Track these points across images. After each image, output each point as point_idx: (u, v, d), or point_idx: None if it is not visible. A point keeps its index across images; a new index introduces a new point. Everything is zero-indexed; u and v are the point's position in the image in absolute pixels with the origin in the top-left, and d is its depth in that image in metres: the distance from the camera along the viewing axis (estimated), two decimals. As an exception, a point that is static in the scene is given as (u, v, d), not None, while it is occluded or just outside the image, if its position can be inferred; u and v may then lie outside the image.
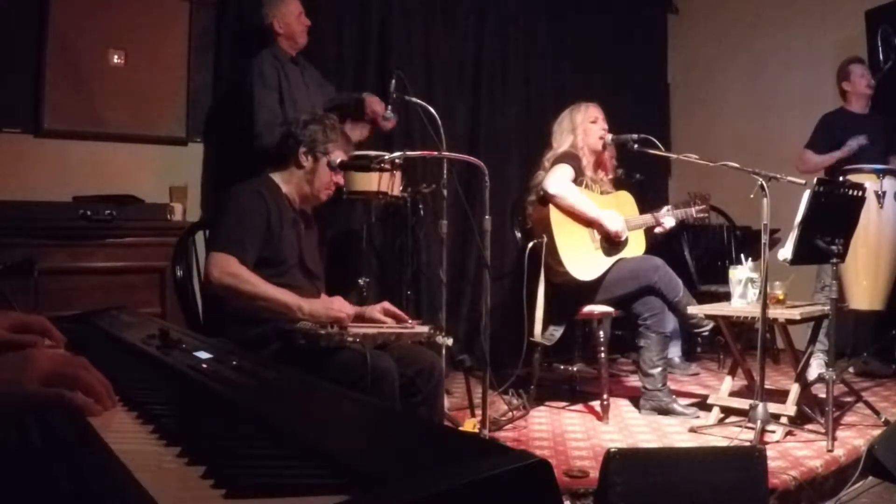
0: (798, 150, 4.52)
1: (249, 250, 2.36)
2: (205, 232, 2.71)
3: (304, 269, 2.57)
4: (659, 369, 3.51)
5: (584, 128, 3.73)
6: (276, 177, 2.59)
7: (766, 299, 3.01)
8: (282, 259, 2.46)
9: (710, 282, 4.68)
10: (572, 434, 3.26)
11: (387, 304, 2.59)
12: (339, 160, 2.57)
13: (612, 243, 3.65)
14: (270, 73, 3.60)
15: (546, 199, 3.60)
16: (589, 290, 3.57)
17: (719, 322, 3.41)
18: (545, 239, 3.54)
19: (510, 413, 3.43)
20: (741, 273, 3.34)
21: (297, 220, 2.59)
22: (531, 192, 3.78)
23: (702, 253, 5.07)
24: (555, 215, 3.57)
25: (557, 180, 3.56)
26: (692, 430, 3.22)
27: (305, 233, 2.62)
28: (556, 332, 3.64)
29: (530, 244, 3.60)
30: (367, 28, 4.52)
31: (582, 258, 3.56)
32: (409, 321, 2.55)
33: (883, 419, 3.27)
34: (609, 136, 3.70)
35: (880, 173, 3.87)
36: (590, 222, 3.62)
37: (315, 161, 2.56)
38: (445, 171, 3.11)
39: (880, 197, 3.81)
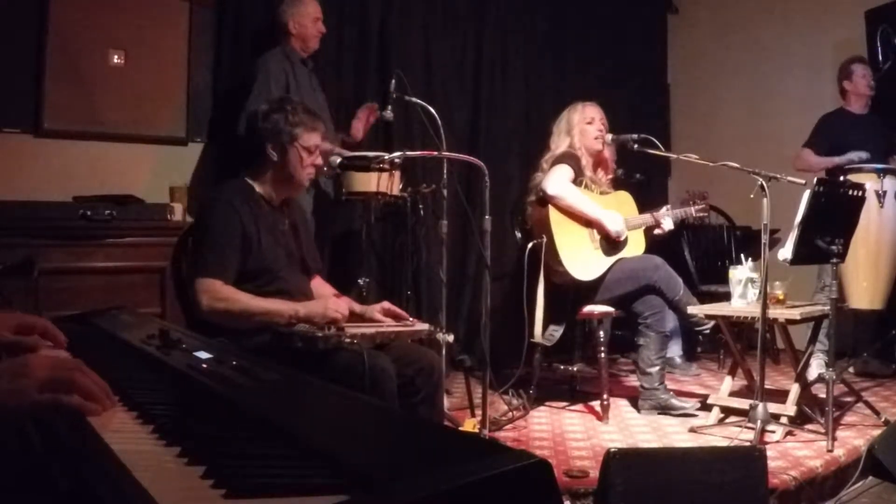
0: (797, 149, 4.52)
1: (230, 268, 2.33)
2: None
3: (300, 261, 2.55)
4: (657, 368, 3.51)
5: (581, 128, 3.73)
6: (250, 178, 2.51)
7: (766, 299, 3.01)
8: (266, 267, 2.41)
9: (710, 282, 4.67)
10: (572, 434, 3.26)
11: (386, 304, 2.57)
12: (312, 142, 2.49)
13: (611, 243, 3.65)
14: (277, 71, 3.61)
15: (545, 200, 3.60)
16: (589, 290, 3.57)
17: (719, 322, 3.41)
18: (545, 239, 3.54)
19: (510, 413, 3.43)
20: (741, 273, 3.34)
21: (278, 219, 2.52)
22: (530, 192, 3.78)
23: (702, 253, 5.07)
24: (554, 216, 3.57)
25: (557, 181, 3.56)
26: (692, 430, 3.22)
27: (289, 226, 2.56)
28: (556, 332, 3.64)
29: (530, 244, 3.59)
30: (367, 28, 4.52)
31: (582, 258, 3.56)
32: (410, 319, 2.54)
33: (883, 419, 3.27)
34: (609, 136, 3.69)
35: (880, 173, 3.87)
36: (590, 222, 3.62)
37: (284, 152, 2.46)
38: (445, 171, 3.12)
39: (880, 197, 3.81)
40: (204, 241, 2.38)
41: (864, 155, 4.18)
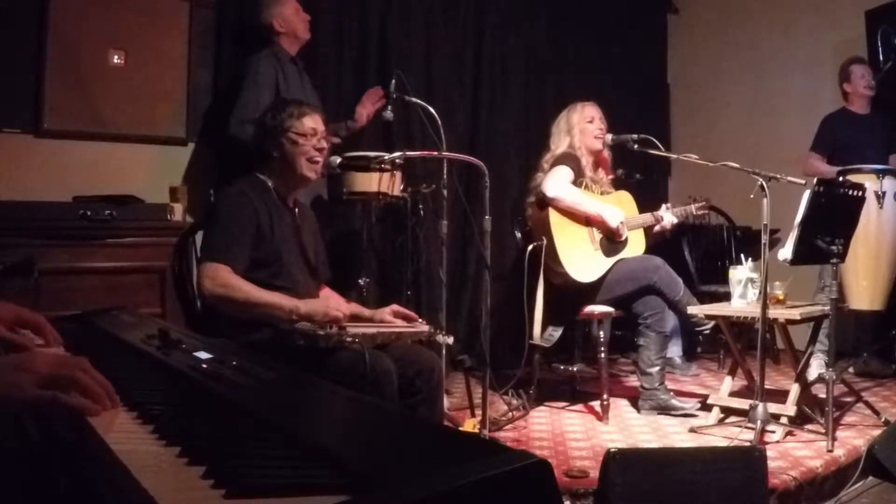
0: (798, 151, 4.52)
1: (239, 257, 2.34)
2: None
3: (306, 263, 2.56)
4: (657, 368, 3.51)
5: (581, 128, 3.73)
6: (262, 174, 2.55)
7: (766, 299, 3.01)
8: (277, 258, 2.43)
9: (710, 282, 4.68)
10: (572, 434, 3.26)
11: (396, 307, 2.57)
12: (307, 126, 2.50)
13: (612, 243, 3.65)
14: (267, 72, 3.61)
15: (545, 202, 3.60)
16: (589, 291, 3.57)
17: (719, 322, 3.41)
18: (545, 241, 3.53)
19: (510, 413, 3.43)
20: (741, 273, 3.34)
21: (290, 213, 2.55)
22: (530, 193, 3.78)
23: (702, 253, 5.07)
24: (554, 218, 3.57)
25: (556, 183, 3.56)
26: (692, 430, 3.22)
27: (301, 223, 2.59)
28: (555, 333, 3.64)
29: (530, 247, 3.59)
30: (367, 28, 4.52)
31: (582, 260, 3.56)
32: (420, 320, 2.54)
33: (883, 419, 3.27)
34: (609, 136, 3.69)
35: (880, 173, 3.87)
36: (590, 220, 3.61)
37: (280, 145, 2.49)
38: (445, 171, 3.12)
39: (880, 197, 3.81)
40: (214, 227, 2.41)
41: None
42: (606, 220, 3.58)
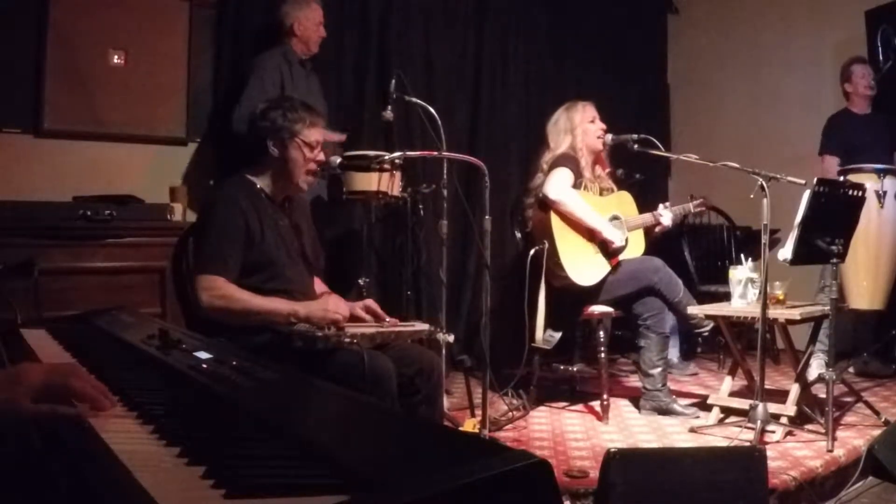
0: (799, 150, 4.53)
1: (232, 265, 2.33)
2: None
3: (303, 261, 2.55)
4: (659, 369, 3.51)
5: (584, 128, 3.71)
6: (251, 175, 2.51)
7: (766, 299, 3.01)
8: (268, 262, 2.41)
9: (710, 282, 4.67)
10: (572, 434, 3.26)
11: (369, 302, 2.54)
12: (314, 138, 2.48)
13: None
14: (273, 70, 3.62)
15: (546, 204, 3.59)
16: (590, 293, 3.56)
17: (719, 322, 3.40)
18: (546, 244, 3.53)
19: (510, 413, 3.43)
20: (741, 273, 3.34)
21: (280, 215, 2.52)
22: (530, 194, 3.77)
23: (702, 253, 5.06)
24: (556, 221, 3.55)
25: (558, 185, 3.54)
26: (692, 430, 3.22)
27: (293, 222, 2.57)
28: (555, 335, 3.63)
29: (532, 251, 3.58)
30: (368, 28, 4.52)
31: (583, 263, 3.55)
32: (388, 319, 2.49)
33: (883, 419, 3.27)
34: (609, 136, 3.69)
35: (881, 173, 3.86)
36: (589, 231, 3.60)
37: (285, 148, 2.46)
38: (445, 171, 3.11)
39: (881, 197, 3.81)
40: (205, 237, 2.39)
41: None
42: (606, 237, 3.55)
